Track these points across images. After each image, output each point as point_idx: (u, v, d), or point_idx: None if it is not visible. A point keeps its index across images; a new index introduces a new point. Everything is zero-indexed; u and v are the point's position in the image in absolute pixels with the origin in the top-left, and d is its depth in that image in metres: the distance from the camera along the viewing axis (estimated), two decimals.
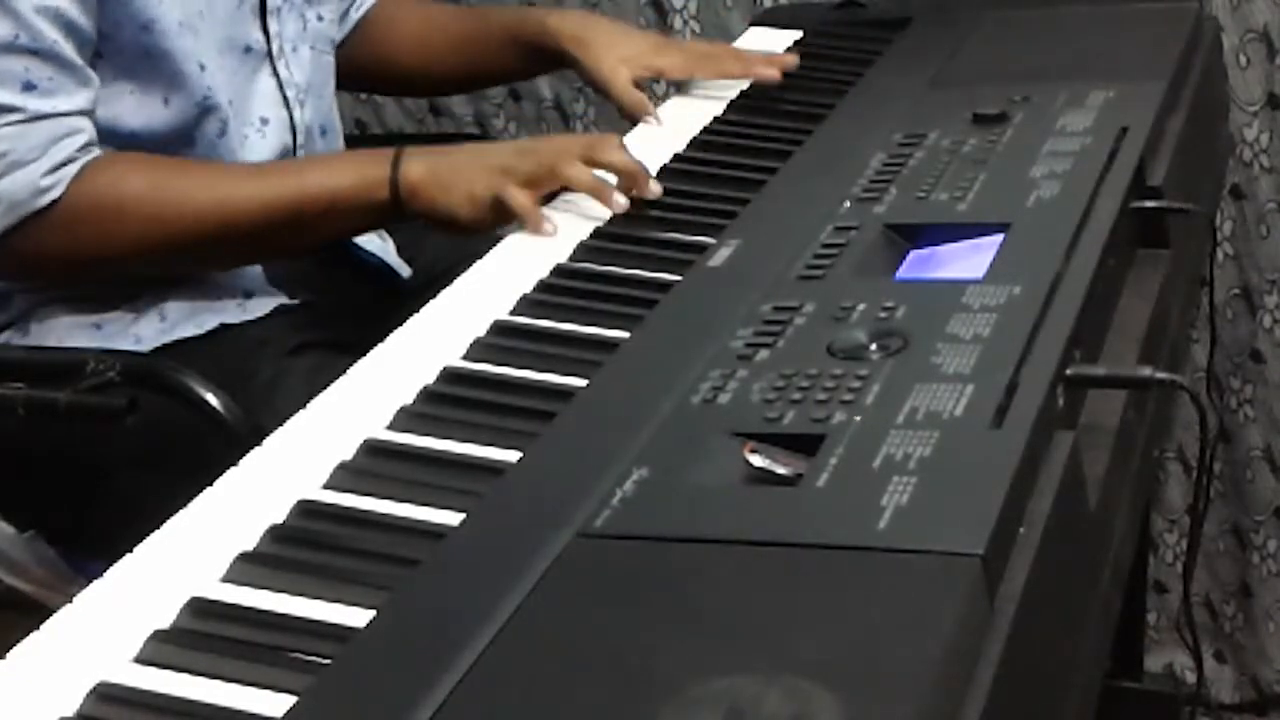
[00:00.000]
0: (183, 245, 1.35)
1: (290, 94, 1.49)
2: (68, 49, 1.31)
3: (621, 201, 1.32)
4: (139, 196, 1.34)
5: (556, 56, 1.67)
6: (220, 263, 1.43)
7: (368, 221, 1.43)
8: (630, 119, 1.60)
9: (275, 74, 1.48)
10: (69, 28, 1.31)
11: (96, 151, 1.33)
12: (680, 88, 1.66)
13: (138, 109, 1.38)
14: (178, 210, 1.34)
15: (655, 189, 1.34)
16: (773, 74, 1.62)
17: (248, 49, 1.45)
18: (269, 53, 1.47)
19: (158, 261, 1.38)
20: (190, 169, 1.40)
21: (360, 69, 1.71)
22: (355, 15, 1.69)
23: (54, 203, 1.30)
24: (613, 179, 1.34)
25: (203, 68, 1.40)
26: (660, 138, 1.48)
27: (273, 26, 1.47)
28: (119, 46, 1.36)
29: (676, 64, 1.65)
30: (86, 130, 1.33)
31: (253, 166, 1.44)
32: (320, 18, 1.55)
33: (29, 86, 1.29)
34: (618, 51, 1.62)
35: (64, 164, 1.30)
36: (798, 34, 1.77)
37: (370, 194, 1.36)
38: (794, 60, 1.64)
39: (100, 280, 1.42)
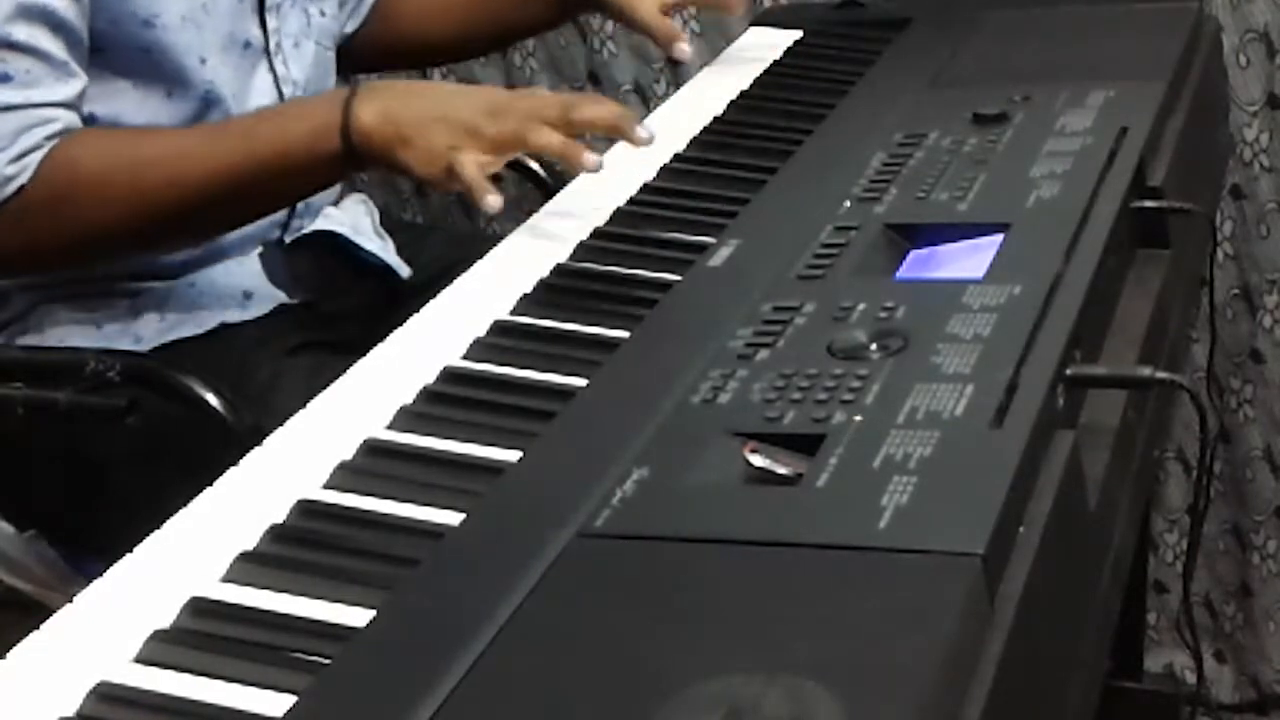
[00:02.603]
0: (147, 218, 1.30)
1: (286, 90, 1.49)
2: (51, 45, 1.29)
3: (593, 159, 1.26)
4: (98, 174, 1.30)
5: (583, 1, 1.67)
6: (186, 235, 1.39)
7: (326, 175, 1.35)
8: (663, 46, 1.60)
9: (272, 70, 1.48)
10: (56, 25, 1.30)
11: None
12: (680, 85, 1.66)
13: (140, 105, 1.38)
14: (135, 183, 1.30)
15: (644, 134, 1.29)
16: None
17: (247, 44, 1.45)
18: (266, 49, 1.47)
19: (131, 238, 1.33)
20: (148, 138, 1.36)
21: (386, 49, 1.70)
22: (367, 1, 1.69)
23: (18, 191, 1.27)
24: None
25: (204, 61, 1.40)
26: (660, 135, 1.47)
27: (271, 22, 1.47)
28: (119, 43, 1.35)
29: None
30: (61, 119, 1.30)
31: (208, 129, 1.40)
32: (323, 13, 1.55)
33: (4, 78, 1.28)
34: None
35: (30, 151, 1.28)
36: (798, 34, 1.77)
37: (322, 145, 1.29)
38: None
39: (84, 266, 1.40)
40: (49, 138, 1.29)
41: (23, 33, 1.28)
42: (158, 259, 1.43)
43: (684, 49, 1.58)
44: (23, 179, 1.27)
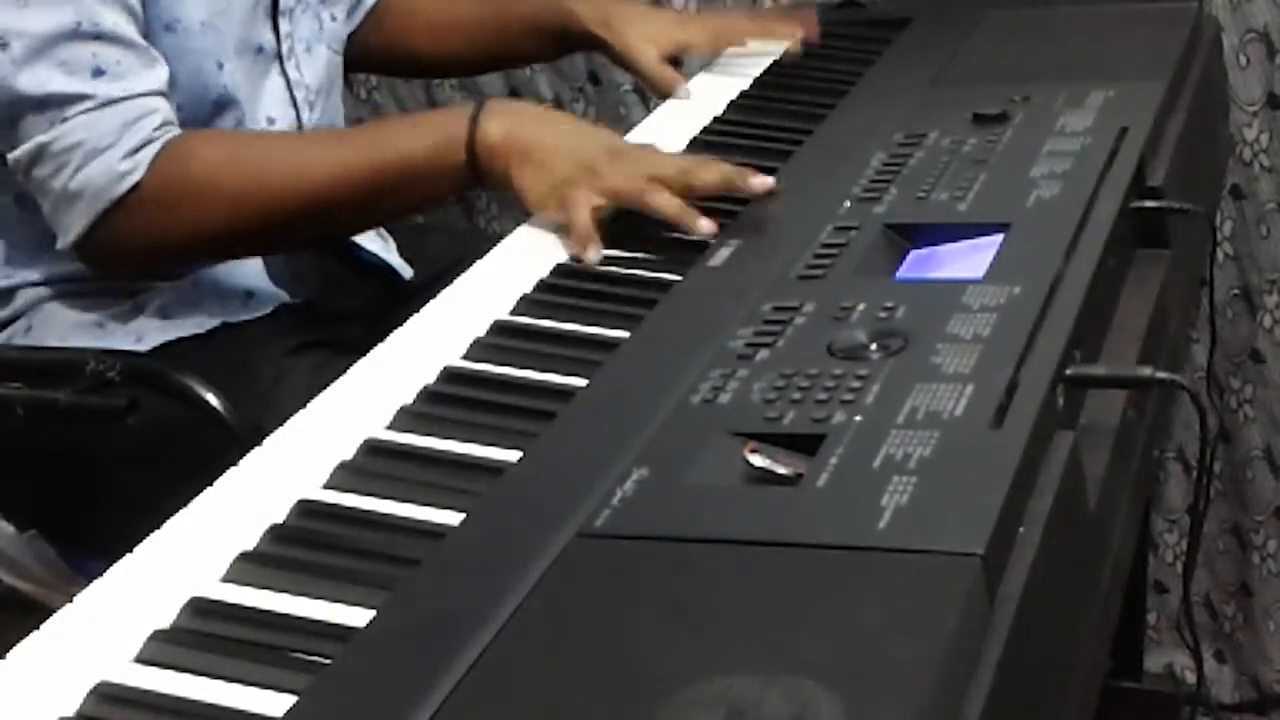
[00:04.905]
0: (267, 218, 1.31)
1: (299, 95, 1.49)
2: (131, 31, 1.30)
3: (707, 226, 1.24)
4: (218, 172, 1.31)
5: (582, 41, 1.69)
6: (304, 236, 1.40)
7: (448, 186, 1.34)
8: (661, 95, 1.62)
9: (284, 74, 1.48)
10: (129, 10, 1.30)
11: (175, 130, 1.31)
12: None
13: None
14: (256, 185, 1.31)
15: (757, 184, 1.27)
16: (795, 34, 1.65)
17: (259, 49, 1.45)
18: (279, 53, 1.48)
19: (247, 238, 1.35)
20: (268, 142, 1.38)
21: (375, 55, 1.71)
22: (367, 3, 1.69)
23: (136, 186, 1.28)
24: None
25: (221, 66, 1.40)
26: (660, 136, 1.47)
27: (283, 27, 1.47)
28: None
29: (700, 36, 1.67)
30: (161, 110, 1.30)
31: (332, 134, 1.43)
32: (334, 17, 1.56)
33: (98, 72, 1.28)
34: (643, 30, 1.64)
35: (142, 146, 1.28)
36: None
37: (448, 156, 1.30)
38: (814, 28, 1.67)
39: (190, 264, 1.40)
40: (156, 129, 1.29)
41: (109, 20, 1.28)
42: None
43: (683, 95, 1.59)
44: (138, 175, 1.28)
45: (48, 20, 1.27)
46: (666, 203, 1.25)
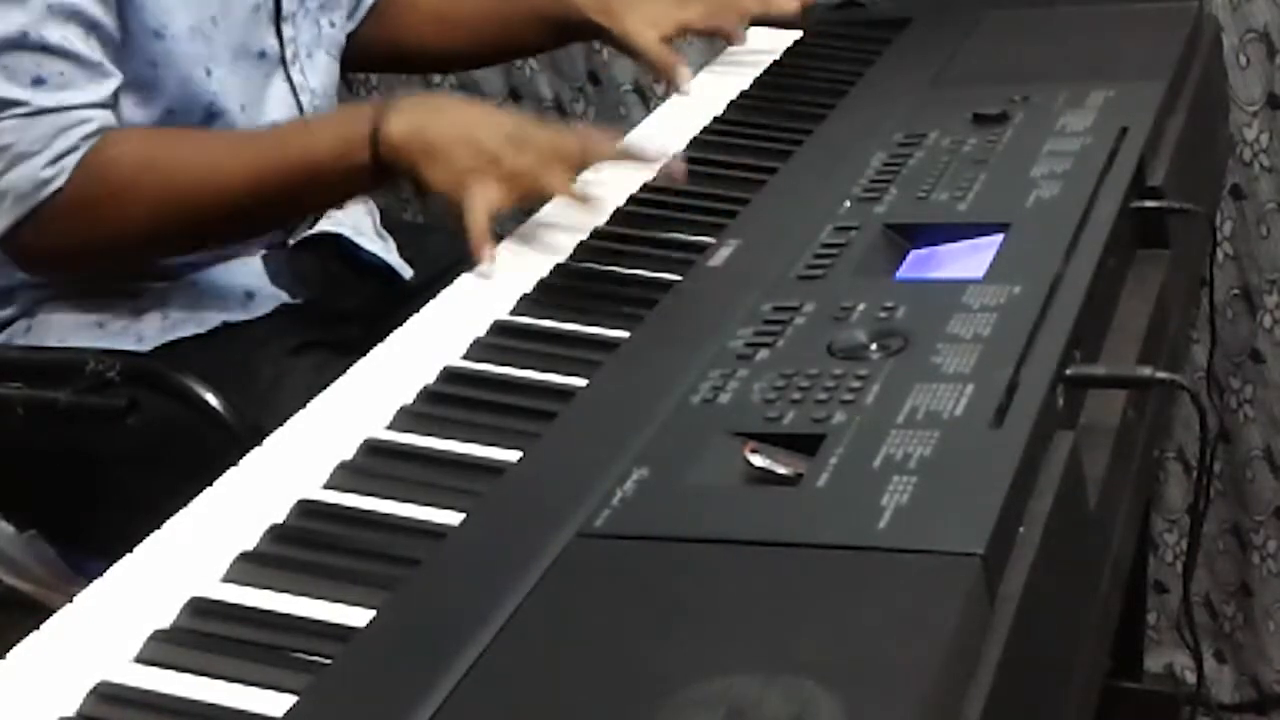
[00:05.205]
0: (183, 220, 1.33)
1: (305, 99, 1.49)
2: (83, 45, 1.30)
3: (596, 210, 1.29)
4: (135, 176, 1.32)
5: (583, 28, 1.69)
6: (223, 235, 1.41)
7: (356, 183, 1.36)
8: (665, 78, 1.62)
9: (288, 79, 1.48)
10: (89, 25, 1.30)
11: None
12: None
13: (134, 111, 1.38)
14: (170, 188, 1.32)
15: (651, 150, 1.31)
16: (792, 6, 1.66)
17: (262, 54, 1.45)
18: (283, 58, 1.48)
19: (166, 240, 1.36)
20: (185, 140, 1.38)
21: (378, 52, 1.71)
22: (367, 1, 1.69)
23: (57, 192, 1.29)
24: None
25: (209, 73, 1.40)
26: (660, 136, 1.47)
27: (287, 32, 1.47)
28: (129, 52, 1.35)
29: (700, 15, 1.67)
30: (96, 120, 1.31)
31: (245, 134, 1.42)
32: (333, 23, 1.56)
33: (38, 81, 1.28)
34: (643, 14, 1.64)
35: (66, 154, 1.29)
36: (798, 34, 1.77)
37: (352, 155, 1.30)
38: None
39: (112, 267, 1.41)
40: (85, 138, 1.30)
41: (55, 34, 1.28)
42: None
43: (684, 75, 1.60)
44: (59, 182, 1.29)
45: None
46: (560, 183, 1.28)
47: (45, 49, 1.28)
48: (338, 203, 1.47)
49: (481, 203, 1.26)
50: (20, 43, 1.28)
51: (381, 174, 1.31)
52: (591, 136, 1.34)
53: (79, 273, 1.42)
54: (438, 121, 1.31)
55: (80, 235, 1.32)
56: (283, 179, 1.32)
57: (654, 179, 1.35)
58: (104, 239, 1.32)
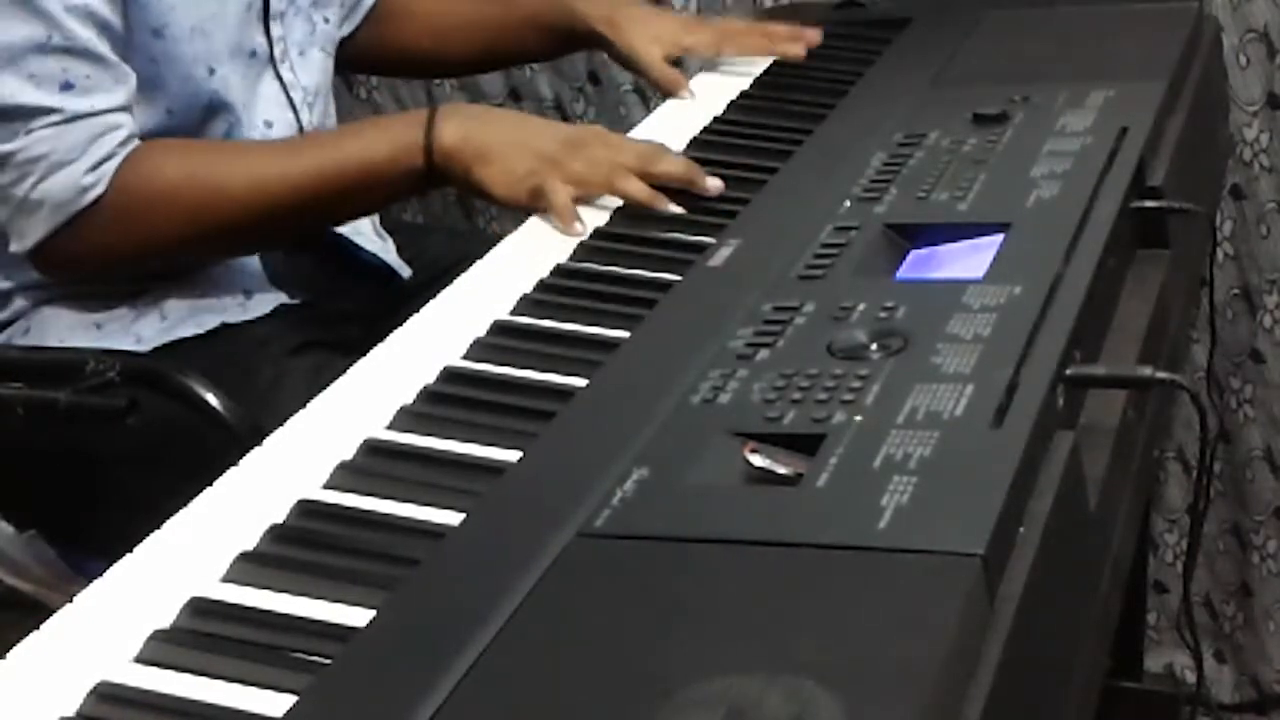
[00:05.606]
0: (224, 229, 1.35)
1: (296, 97, 1.50)
2: (102, 46, 1.31)
3: (674, 208, 1.30)
4: (177, 185, 1.33)
5: (587, 39, 1.69)
6: (264, 242, 1.43)
7: (406, 189, 1.39)
8: (666, 95, 1.62)
9: (279, 77, 1.48)
10: (101, 25, 1.31)
11: (137, 144, 1.33)
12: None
13: (138, 111, 1.38)
14: (216, 195, 1.34)
15: (712, 185, 1.32)
16: (798, 50, 1.65)
17: (253, 53, 1.46)
18: (271, 57, 1.48)
19: (202, 247, 1.38)
20: (227, 151, 1.40)
21: (375, 56, 1.72)
22: (365, 4, 1.70)
23: (98, 200, 1.30)
24: None
25: (212, 71, 1.40)
26: (660, 136, 1.47)
27: (275, 31, 1.47)
28: (132, 51, 1.35)
29: (705, 41, 1.67)
30: (126, 125, 1.32)
31: (288, 143, 1.44)
32: (327, 20, 1.56)
33: (67, 86, 1.29)
34: (649, 30, 1.64)
35: (104, 160, 1.30)
36: None
37: (405, 161, 1.33)
38: (818, 35, 1.67)
39: (132, 271, 1.41)
40: (120, 145, 1.31)
41: (75, 35, 1.29)
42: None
43: (687, 94, 1.60)
44: (99, 189, 1.30)
45: (18, 32, 1.28)
46: (636, 188, 1.30)
47: (68, 51, 1.29)
48: (389, 205, 1.49)
49: (562, 190, 1.29)
50: (44, 47, 1.28)
51: (433, 179, 1.35)
52: (647, 149, 1.34)
53: (110, 272, 1.42)
54: (489, 128, 1.34)
55: (115, 241, 1.33)
56: (335, 185, 1.34)
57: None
58: (136, 245, 1.34)
